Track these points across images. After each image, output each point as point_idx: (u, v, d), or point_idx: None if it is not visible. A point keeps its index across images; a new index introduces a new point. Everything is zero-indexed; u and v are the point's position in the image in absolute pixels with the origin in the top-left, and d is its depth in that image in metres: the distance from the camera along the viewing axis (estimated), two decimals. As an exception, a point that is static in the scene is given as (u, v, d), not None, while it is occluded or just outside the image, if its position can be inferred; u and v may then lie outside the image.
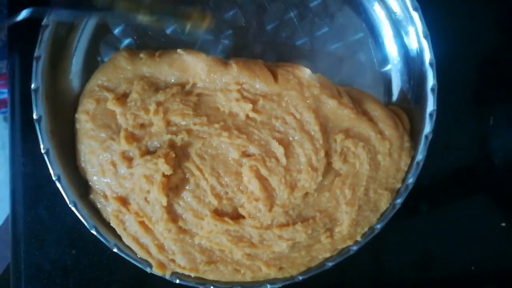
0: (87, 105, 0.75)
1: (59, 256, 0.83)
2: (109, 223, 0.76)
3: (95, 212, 0.76)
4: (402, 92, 0.80)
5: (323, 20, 0.79)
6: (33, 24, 0.71)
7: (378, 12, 0.79)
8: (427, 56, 0.75)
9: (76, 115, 0.75)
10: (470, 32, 0.87)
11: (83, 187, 0.76)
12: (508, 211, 0.92)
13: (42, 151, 0.73)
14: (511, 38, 0.89)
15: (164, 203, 0.72)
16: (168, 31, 0.78)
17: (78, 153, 0.76)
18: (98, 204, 0.76)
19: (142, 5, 0.68)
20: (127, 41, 0.78)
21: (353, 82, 0.80)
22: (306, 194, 0.74)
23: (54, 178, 0.73)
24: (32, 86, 0.72)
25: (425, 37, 0.74)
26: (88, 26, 0.77)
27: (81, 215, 0.74)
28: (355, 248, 0.77)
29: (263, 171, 0.73)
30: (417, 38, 0.76)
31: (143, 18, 0.67)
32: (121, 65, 0.74)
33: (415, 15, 0.74)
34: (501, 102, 0.90)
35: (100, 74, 0.75)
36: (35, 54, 0.71)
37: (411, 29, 0.76)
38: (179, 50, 0.75)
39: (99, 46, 0.78)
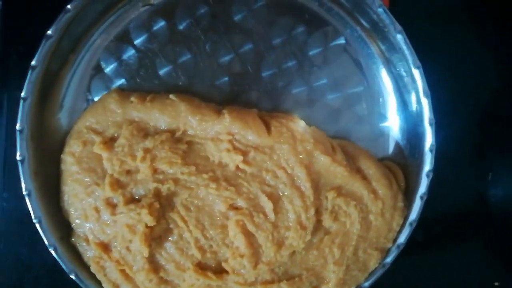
0: (73, 146, 0.73)
1: (38, 297, 0.82)
2: (90, 267, 0.74)
3: (76, 255, 0.74)
4: (398, 148, 0.78)
5: (322, 70, 0.76)
6: (23, 61, 0.69)
7: (379, 67, 0.77)
8: (427, 115, 0.72)
9: (62, 156, 0.73)
10: (470, 88, 0.86)
11: (65, 228, 0.74)
12: (502, 269, 0.89)
13: (24, 192, 0.71)
14: (510, 93, 0.87)
15: (146, 255, 0.70)
16: (161, 73, 0.76)
17: (62, 194, 0.74)
18: (79, 247, 0.74)
19: None
20: (119, 82, 0.76)
21: (349, 135, 0.78)
22: (294, 251, 0.72)
23: (34, 221, 0.71)
24: (17, 126, 0.70)
25: (426, 96, 0.72)
26: (81, 64, 0.75)
27: (60, 259, 0.72)
28: (341, 305, 0.75)
29: (250, 227, 0.70)
30: (417, 96, 0.73)
31: None
32: (110, 107, 0.72)
33: (416, 73, 0.72)
34: (500, 158, 0.88)
35: (89, 115, 0.73)
36: (22, 95, 0.69)
37: (411, 87, 0.74)
38: (171, 96, 0.73)
39: (91, 85, 0.76)
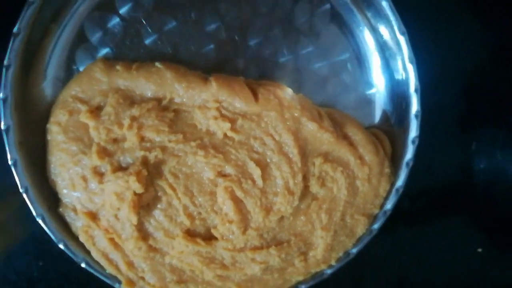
0: (59, 116, 0.72)
1: (26, 267, 0.81)
2: (78, 237, 0.74)
3: (64, 225, 0.74)
4: (385, 115, 0.79)
5: (308, 38, 0.76)
6: (5, 29, 0.68)
7: (365, 34, 0.77)
8: (412, 81, 0.73)
9: (48, 126, 0.73)
10: (456, 57, 0.86)
11: (52, 199, 0.74)
12: (485, 236, 0.91)
13: (10, 162, 0.70)
14: (496, 64, 0.89)
15: (134, 222, 0.70)
16: (147, 42, 0.75)
17: (48, 164, 0.73)
18: (67, 217, 0.74)
19: None
20: (104, 51, 0.75)
21: (336, 103, 0.78)
22: (282, 217, 0.73)
23: (21, 190, 0.71)
24: (1, 95, 0.69)
25: (411, 62, 0.72)
26: (64, 32, 0.74)
27: (48, 229, 0.72)
28: (329, 271, 0.76)
29: (239, 193, 0.71)
30: (402, 63, 0.74)
31: None
32: (96, 76, 0.72)
33: (402, 40, 0.72)
34: (484, 127, 0.89)
35: (74, 84, 0.72)
36: (5, 63, 0.68)
37: (397, 54, 0.74)
38: (157, 63, 0.72)
39: (75, 54, 0.75)
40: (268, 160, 0.72)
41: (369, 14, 0.76)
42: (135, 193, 0.69)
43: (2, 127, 0.69)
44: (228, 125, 0.71)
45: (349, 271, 0.82)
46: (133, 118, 0.70)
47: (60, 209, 0.74)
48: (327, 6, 0.76)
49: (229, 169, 0.71)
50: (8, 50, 0.68)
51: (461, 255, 0.90)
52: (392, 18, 0.72)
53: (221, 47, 0.76)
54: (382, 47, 0.76)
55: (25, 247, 0.81)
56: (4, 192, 0.80)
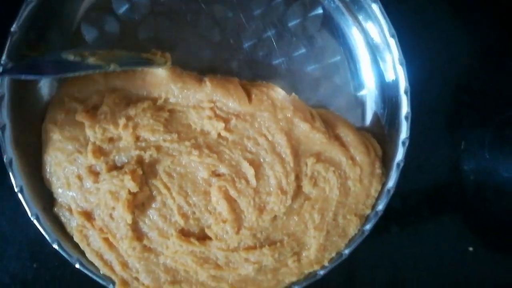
0: (55, 115, 0.73)
1: (19, 270, 0.81)
2: (73, 237, 0.74)
3: (59, 225, 0.74)
4: (376, 117, 0.80)
5: (301, 41, 0.78)
6: (2, 28, 0.69)
7: (356, 37, 0.78)
8: (402, 83, 0.75)
9: (44, 125, 0.73)
10: (444, 59, 0.88)
11: (47, 199, 0.74)
12: (476, 235, 0.93)
13: (5, 160, 0.70)
14: (483, 65, 0.91)
15: (129, 221, 0.70)
16: (143, 43, 0.76)
17: (44, 164, 0.73)
18: (62, 217, 0.74)
19: (110, 59, 0.69)
20: (100, 51, 0.75)
21: (328, 104, 0.80)
22: (275, 217, 0.74)
23: (16, 190, 0.71)
24: (-3, 94, 0.69)
25: (401, 64, 0.74)
26: (61, 32, 0.75)
27: (43, 228, 0.72)
28: (322, 272, 0.77)
29: (232, 192, 0.72)
30: (393, 65, 0.76)
31: (112, 69, 0.68)
32: (93, 76, 0.72)
33: (392, 42, 0.74)
34: (473, 127, 0.91)
35: (71, 84, 0.73)
36: (2, 62, 0.68)
37: (387, 56, 0.76)
38: (152, 64, 0.73)
39: (72, 54, 0.75)
40: (262, 160, 0.73)
41: (360, 17, 0.77)
42: (130, 192, 0.70)
43: (-2, 126, 0.70)
44: (222, 125, 0.72)
45: (341, 272, 0.83)
46: (129, 118, 0.71)
47: (55, 209, 0.74)
48: (319, 9, 0.78)
49: (223, 169, 0.72)
50: (6, 48, 0.68)
51: (452, 254, 0.91)
52: (382, 21, 0.74)
53: (216, 49, 0.77)
54: (373, 49, 0.78)
55: (19, 250, 0.81)
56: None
